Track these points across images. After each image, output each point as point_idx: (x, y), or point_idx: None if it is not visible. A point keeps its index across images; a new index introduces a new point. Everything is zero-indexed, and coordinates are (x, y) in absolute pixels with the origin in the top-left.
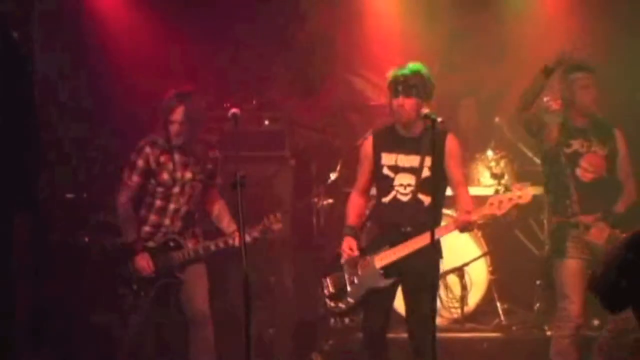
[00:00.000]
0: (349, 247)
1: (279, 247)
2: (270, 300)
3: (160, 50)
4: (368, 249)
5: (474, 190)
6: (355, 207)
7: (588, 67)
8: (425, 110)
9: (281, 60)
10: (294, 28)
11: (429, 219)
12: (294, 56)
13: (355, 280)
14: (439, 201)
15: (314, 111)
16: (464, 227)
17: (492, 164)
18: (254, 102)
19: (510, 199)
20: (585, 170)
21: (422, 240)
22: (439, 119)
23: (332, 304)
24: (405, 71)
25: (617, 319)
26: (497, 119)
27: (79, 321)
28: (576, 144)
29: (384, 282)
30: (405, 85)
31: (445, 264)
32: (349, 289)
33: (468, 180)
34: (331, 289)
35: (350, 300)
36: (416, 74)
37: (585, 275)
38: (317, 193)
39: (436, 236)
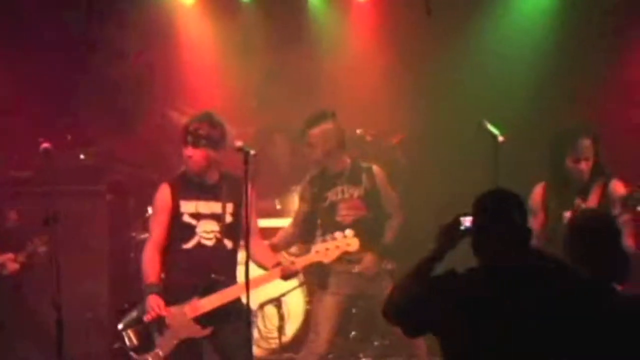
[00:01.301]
0: (157, 305)
1: (95, 282)
2: (86, 336)
3: None
4: (174, 298)
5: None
6: (154, 262)
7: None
8: (239, 143)
9: (97, 95)
10: (109, 64)
11: (235, 265)
12: (111, 92)
13: (165, 332)
14: (238, 247)
15: (131, 146)
16: (289, 276)
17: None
18: (69, 137)
19: (337, 247)
20: (346, 215)
21: (238, 290)
22: (252, 152)
23: (138, 357)
24: (196, 120)
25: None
26: None
27: None
28: (331, 195)
29: (198, 333)
30: (194, 135)
31: (262, 295)
32: (157, 341)
33: (284, 211)
34: (135, 342)
35: (160, 352)
36: (207, 123)
37: (341, 310)
38: (135, 227)
39: (257, 285)
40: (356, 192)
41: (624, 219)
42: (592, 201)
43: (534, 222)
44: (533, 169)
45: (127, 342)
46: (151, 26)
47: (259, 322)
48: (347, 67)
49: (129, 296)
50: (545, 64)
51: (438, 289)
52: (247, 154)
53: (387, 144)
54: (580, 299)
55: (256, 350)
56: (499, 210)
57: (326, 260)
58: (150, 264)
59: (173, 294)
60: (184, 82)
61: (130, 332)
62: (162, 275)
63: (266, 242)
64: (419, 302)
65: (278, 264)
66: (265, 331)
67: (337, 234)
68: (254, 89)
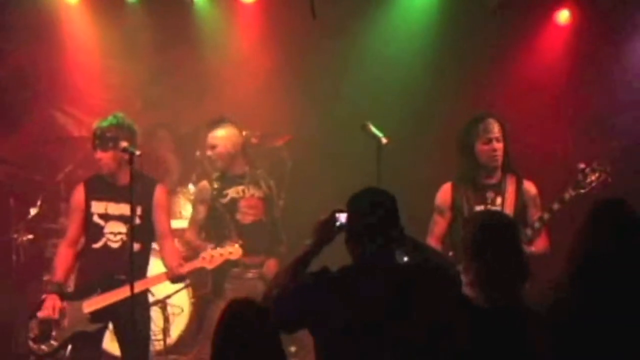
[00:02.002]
0: (51, 306)
1: None
2: None
3: None
4: (78, 294)
5: (177, 223)
6: (64, 260)
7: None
8: (124, 144)
9: None
10: None
11: (141, 266)
12: None
13: (62, 324)
14: (149, 248)
15: (13, 145)
16: (176, 280)
17: (194, 197)
18: None
19: (221, 255)
20: (246, 214)
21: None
22: (137, 152)
23: (35, 346)
24: (103, 124)
25: None
26: (197, 153)
27: None
28: (232, 192)
29: (91, 327)
30: (102, 139)
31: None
32: (54, 332)
33: (170, 213)
34: (36, 331)
35: (54, 343)
36: (114, 125)
37: None
38: (16, 229)
39: (147, 286)
40: (257, 193)
41: (540, 221)
42: (509, 197)
43: (441, 221)
44: (415, 170)
45: (30, 332)
46: (34, 25)
47: None
48: (233, 68)
49: (10, 298)
50: (428, 66)
51: (311, 285)
52: (132, 154)
53: (273, 146)
54: (444, 299)
55: None
56: (372, 208)
57: (210, 266)
58: (60, 261)
59: (79, 290)
60: (68, 81)
61: (34, 323)
62: (75, 272)
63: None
64: (293, 298)
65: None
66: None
67: (226, 243)
68: (139, 90)
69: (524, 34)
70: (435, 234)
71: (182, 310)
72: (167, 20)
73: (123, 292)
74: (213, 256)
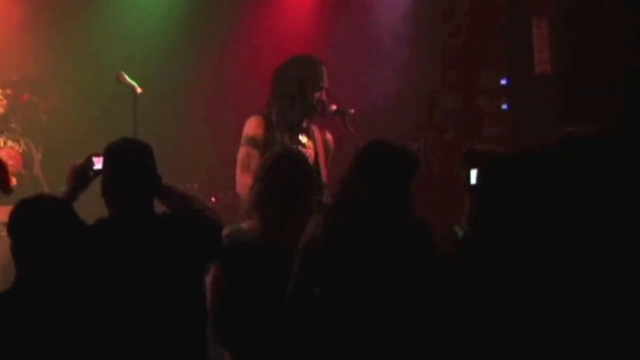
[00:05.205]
0: None
1: None
2: None
3: None
4: None
5: None
6: None
7: None
8: None
9: None
10: None
11: None
12: None
13: None
14: None
15: None
16: None
17: None
18: None
19: None
20: None
21: None
22: None
23: None
24: None
25: None
26: None
27: None
28: None
29: None
30: None
31: None
32: None
33: None
34: None
35: None
36: None
37: None
38: None
39: None
40: (16, 147)
41: None
42: (319, 143)
43: (255, 154)
44: (170, 120)
45: None
46: None
47: None
48: None
49: None
50: (178, 21)
51: None
52: None
53: (27, 100)
54: (206, 246)
55: None
56: (126, 157)
57: None
58: None
59: None
60: None
61: None
62: None
63: None
64: None
65: None
66: None
67: None
68: None
69: (270, 4)
70: (251, 168)
71: None
72: None
73: None
74: None
